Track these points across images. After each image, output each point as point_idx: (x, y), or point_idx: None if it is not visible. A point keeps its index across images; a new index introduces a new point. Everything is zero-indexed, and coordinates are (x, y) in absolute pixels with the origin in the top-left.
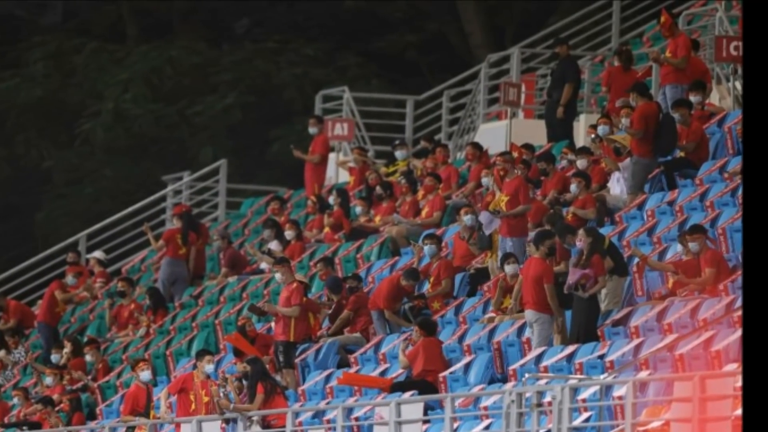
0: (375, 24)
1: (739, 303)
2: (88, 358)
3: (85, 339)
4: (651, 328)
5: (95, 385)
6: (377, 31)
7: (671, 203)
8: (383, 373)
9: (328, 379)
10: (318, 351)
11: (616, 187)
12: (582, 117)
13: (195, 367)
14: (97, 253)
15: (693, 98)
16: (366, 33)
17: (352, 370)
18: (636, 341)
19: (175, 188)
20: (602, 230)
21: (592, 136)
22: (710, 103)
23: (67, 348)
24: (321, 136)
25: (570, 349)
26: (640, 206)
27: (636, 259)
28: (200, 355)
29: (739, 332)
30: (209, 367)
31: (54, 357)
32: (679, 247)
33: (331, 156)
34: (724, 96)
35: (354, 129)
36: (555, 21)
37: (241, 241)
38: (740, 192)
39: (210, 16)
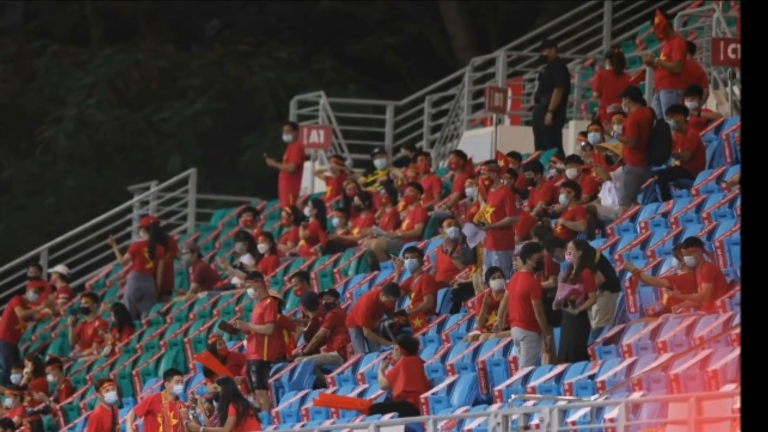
0: (352, 26)
1: (737, 320)
2: (50, 378)
3: (47, 358)
4: (644, 347)
5: (57, 406)
6: (354, 33)
7: (666, 215)
8: (362, 394)
9: (303, 400)
10: (293, 371)
11: (608, 197)
12: (571, 123)
13: (163, 387)
14: (60, 268)
15: (689, 104)
16: (343, 35)
17: (329, 391)
18: (629, 360)
19: (141, 199)
20: (593, 243)
21: (583, 143)
22: (707, 109)
23: (28, 367)
24: (296, 144)
25: (559, 368)
26: (633, 218)
27: (628, 274)
28: (168, 374)
29: (737, 351)
30: (178, 388)
31: (14, 377)
32: (673, 261)
33: (307, 165)
34: (722, 101)
35: (331, 136)
36: (543, 22)
37: (212, 255)
38: (738, 203)
39: (178, 17)
